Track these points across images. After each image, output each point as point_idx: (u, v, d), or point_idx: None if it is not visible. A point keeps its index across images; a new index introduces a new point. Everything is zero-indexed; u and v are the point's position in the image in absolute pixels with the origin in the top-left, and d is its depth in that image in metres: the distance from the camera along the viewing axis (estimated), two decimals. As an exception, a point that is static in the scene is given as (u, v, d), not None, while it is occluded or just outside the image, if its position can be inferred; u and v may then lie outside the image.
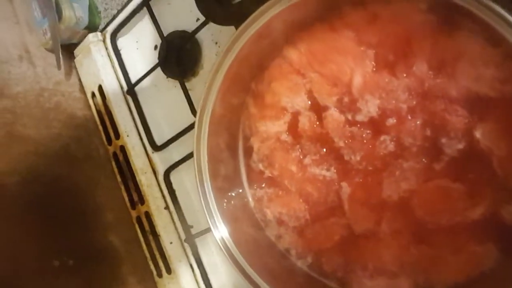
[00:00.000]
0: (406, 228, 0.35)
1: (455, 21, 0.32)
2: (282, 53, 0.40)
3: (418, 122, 0.34)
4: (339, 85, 0.37)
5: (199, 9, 0.43)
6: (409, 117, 0.34)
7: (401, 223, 0.35)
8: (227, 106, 0.41)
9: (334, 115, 0.37)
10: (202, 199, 0.40)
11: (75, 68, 0.68)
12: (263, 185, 0.42)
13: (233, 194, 0.43)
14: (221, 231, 0.40)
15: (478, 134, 0.32)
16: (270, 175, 0.42)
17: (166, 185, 0.59)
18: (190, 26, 0.56)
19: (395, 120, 0.35)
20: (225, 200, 0.42)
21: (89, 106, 0.66)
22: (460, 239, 0.34)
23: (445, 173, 0.34)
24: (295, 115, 0.40)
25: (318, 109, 0.39)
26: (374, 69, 0.35)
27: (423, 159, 0.35)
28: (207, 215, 0.40)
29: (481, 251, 0.33)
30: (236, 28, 0.37)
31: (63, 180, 0.59)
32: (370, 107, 0.35)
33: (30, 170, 0.56)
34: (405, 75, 0.34)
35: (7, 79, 0.59)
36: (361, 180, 0.37)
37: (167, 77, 0.60)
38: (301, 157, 0.40)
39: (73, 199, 0.59)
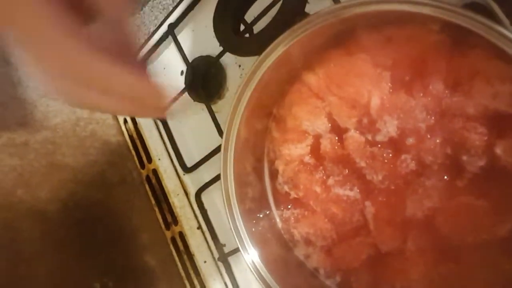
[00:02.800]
0: (433, 246, 0.35)
1: (468, 40, 0.32)
2: (301, 78, 0.41)
3: (437, 141, 0.34)
4: (358, 107, 0.38)
5: (219, 42, 0.45)
6: (428, 136, 0.35)
7: (427, 241, 0.36)
8: (251, 131, 0.42)
9: (354, 137, 0.38)
10: (230, 222, 0.42)
11: (108, 96, 0.71)
12: (290, 206, 0.43)
13: (261, 215, 0.44)
14: (250, 252, 0.41)
15: (498, 150, 0.32)
16: (295, 196, 0.43)
17: (198, 206, 0.60)
18: (214, 51, 0.58)
19: (414, 139, 0.35)
20: (254, 222, 0.43)
21: (122, 132, 0.69)
22: (489, 256, 0.34)
23: (468, 190, 0.34)
24: (317, 138, 0.41)
25: (338, 131, 0.39)
26: (391, 90, 0.36)
27: (445, 177, 0.35)
28: (236, 238, 0.41)
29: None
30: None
31: (100, 205, 0.62)
32: (389, 127, 0.36)
33: (70, 196, 0.59)
34: (421, 94, 0.35)
35: (46, 112, 0.62)
36: (384, 199, 0.37)
37: (194, 101, 0.62)
38: (325, 178, 0.40)
39: (110, 222, 0.62)
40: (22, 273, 0.53)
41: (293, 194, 0.43)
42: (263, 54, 0.37)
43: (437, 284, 0.35)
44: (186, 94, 0.61)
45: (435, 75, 0.34)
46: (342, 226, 0.40)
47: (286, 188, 0.43)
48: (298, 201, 0.43)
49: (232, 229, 0.41)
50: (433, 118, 0.35)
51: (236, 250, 0.54)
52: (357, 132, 0.38)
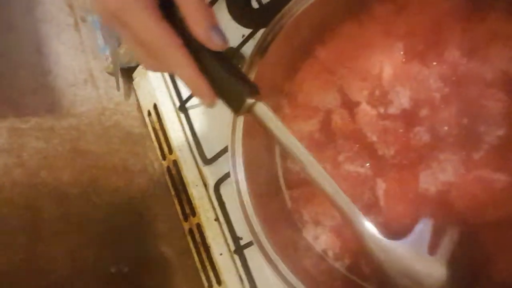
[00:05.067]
0: (447, 224, 0.33)
1: (486, 4, 0.31)
2: (312, 53, 0.40)
3: (453, 111, 0.33)
4: (369, 78, 0.36)
5: (230, 14, 0.45)
6: (443, 106, 0.33)
7: (441, 219, 0.33)
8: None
9: (366, 110, 0.37)
10: (241, 210, 0.41)
11: (134, 89, 0.73)
12: (300, 186, 0.42)
13: (272, 198, 0.43)
14: (259, 234, 0.40)
15: (519, 117, 0.30)
16: (306, 174, 0.41)
17: (216, 197, 0.60)
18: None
19: (428, 110, 0.33)
20: (265, 205, 0.42)
21: (146, 124, 0.70)
22: (508, 235, 0.31)
23: (485, 163, 0.31)
24: (328, 113, 0.39)
25: (350, 105, 0.38)
26: (404, 60, 0.35)
27: (461, 149, 0.33)
28: (247, 226, 0.40)
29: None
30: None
31: (120, 192, 0.62)
32: (401, 99, 0.34)
33: (91, 182, 0.60)
34: (435, 63, 0.33)
35: (73, 100, 0.65)
36: (396, 175, 0.35)
37: (215, 92, 0.62)
38: (336, 155, 0.39)
39: (129, 209, 0.63)
40: (41, 252, 0.54)
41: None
42: (270, 24, 0.37)
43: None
44: (208, 86, 0.62)
45: (450, 42, 0.33)
46: (352, 205, 0.38)
47: (297, 167, 0.42)
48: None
49: (243, 216, 0.40)
50: (448, 87, 0.33)
51: (252, 243, 0.53)
52: (369, 105, 0.37)
